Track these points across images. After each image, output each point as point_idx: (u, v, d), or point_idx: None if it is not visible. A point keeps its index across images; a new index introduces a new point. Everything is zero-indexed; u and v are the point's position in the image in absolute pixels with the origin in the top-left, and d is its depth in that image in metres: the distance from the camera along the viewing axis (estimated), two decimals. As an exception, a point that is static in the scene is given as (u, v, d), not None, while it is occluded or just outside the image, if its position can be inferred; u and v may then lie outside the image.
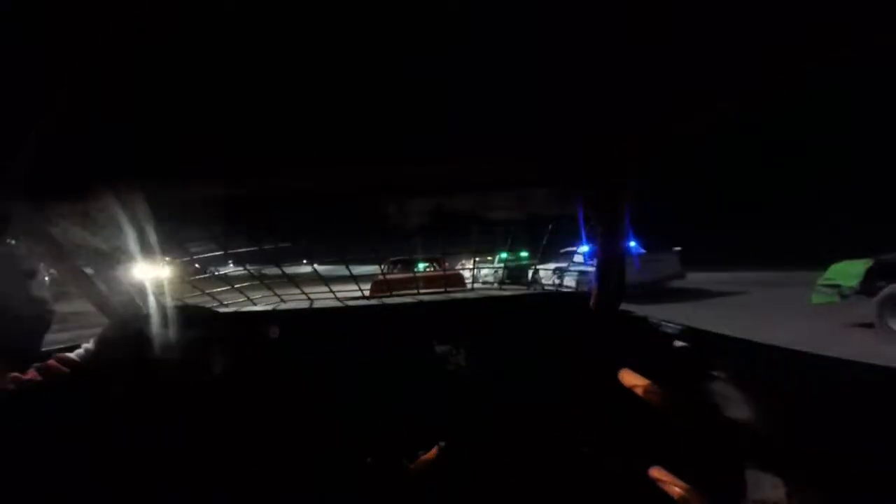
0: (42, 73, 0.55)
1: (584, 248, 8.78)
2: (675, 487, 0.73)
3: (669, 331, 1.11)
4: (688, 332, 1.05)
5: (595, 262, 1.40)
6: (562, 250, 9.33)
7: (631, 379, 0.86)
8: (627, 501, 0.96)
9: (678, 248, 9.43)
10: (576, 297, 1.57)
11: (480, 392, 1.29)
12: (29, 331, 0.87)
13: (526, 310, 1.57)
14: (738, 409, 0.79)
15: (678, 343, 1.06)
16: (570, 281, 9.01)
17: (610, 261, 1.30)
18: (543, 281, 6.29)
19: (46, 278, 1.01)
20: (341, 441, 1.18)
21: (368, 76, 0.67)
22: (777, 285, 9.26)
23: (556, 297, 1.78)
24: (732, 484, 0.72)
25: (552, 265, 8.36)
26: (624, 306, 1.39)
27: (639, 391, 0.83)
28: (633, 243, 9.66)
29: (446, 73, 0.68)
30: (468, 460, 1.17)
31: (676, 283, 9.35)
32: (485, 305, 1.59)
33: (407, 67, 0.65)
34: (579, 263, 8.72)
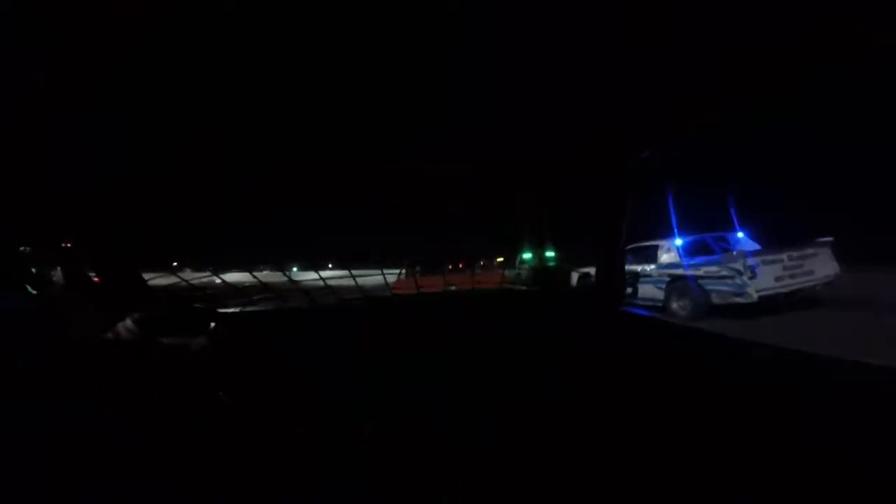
0: (42, 73, 0.55)
1: (678, 242, 6.52)
2: None
3: (668, 331, 1.12)
4: (687, 333, 1.06)
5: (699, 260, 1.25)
6: (632, 245, 6.62)
7: None
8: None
9: (829, 238, 5.90)
10: (574, 297, 1.62)
11: (477, 390, 1.27)
12: (39, 339, 0.88)
13: (521, 308, 1.59)
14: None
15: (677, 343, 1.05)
16: (651, 291, 6.46)
17: (610, 260, 1.30)
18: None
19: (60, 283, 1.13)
20: (340, 439, 1.17)
21: (373, 78, 0.69)
22: None
23: (552, 297, 1.82)
24: None
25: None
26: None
27: None
28: (740, 234, 6.73)
29: (448, 75, 0.70)
30: (466, 458, 1.13)
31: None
32: (482, 304, 1.62)
33: (409, 69, 0.67)
34: (668, 265, 6.31)
